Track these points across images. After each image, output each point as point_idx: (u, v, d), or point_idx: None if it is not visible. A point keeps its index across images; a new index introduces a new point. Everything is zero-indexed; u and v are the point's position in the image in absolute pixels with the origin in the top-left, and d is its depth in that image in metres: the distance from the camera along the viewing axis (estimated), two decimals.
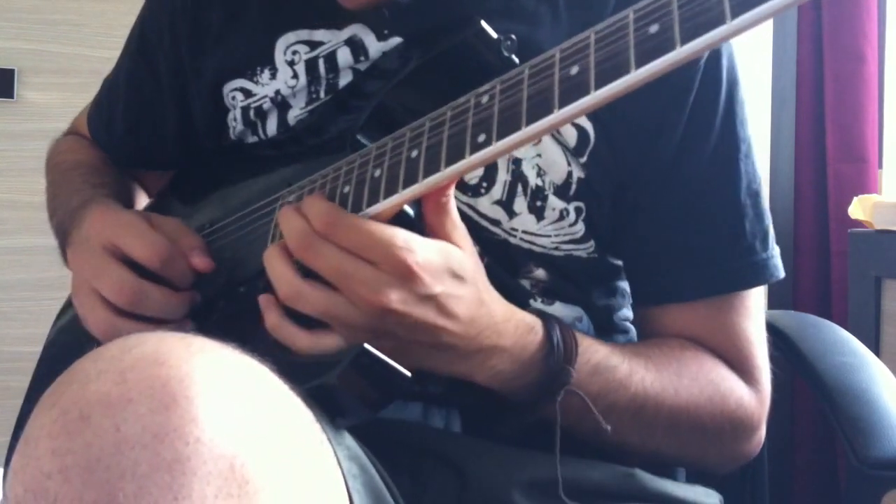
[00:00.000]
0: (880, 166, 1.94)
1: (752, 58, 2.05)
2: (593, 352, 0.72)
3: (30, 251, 1.80)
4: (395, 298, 0.61)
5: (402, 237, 0.62)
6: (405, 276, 0.62)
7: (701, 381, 0.77)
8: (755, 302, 0.82)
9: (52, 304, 1.02)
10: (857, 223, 1.73)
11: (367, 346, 0.61)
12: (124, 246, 0.75)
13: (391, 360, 0.62)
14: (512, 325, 0.69)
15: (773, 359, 0.83)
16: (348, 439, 0.63)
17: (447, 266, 0.64)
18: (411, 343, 0.64)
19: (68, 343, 0.94)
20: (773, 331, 0.99)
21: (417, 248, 0.62)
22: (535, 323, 0.70)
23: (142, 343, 0.51)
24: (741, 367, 0.80)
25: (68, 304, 1.00)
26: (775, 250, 0.82)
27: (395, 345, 0.63)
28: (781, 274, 0.82)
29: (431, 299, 0.63)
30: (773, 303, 1.96)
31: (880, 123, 1.94)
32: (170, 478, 0.45)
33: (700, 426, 0.76)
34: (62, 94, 1.81)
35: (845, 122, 1.91)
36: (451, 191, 0.64)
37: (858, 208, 1.70)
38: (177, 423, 0.46)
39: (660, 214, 0.79)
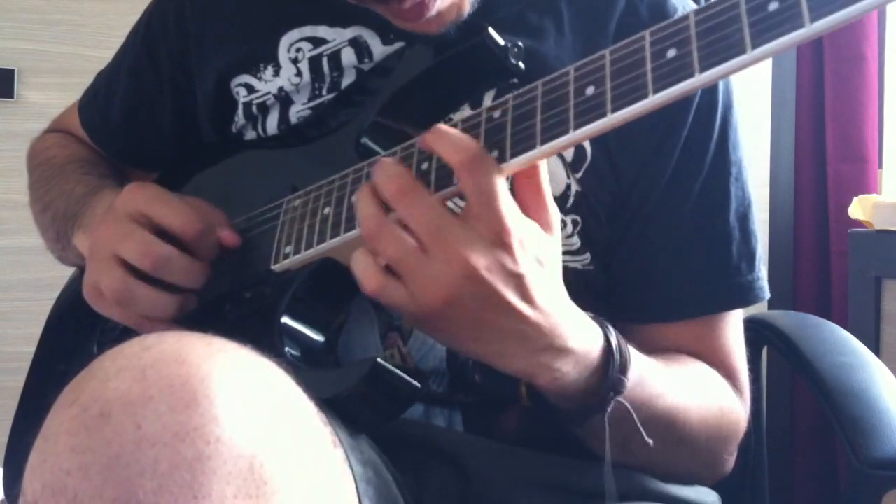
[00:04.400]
0: (880, 166, 1.94)
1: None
2: (639, 362, 0.70)
3: (30, 251, 1.80)
4: (483, 263, 0.58)
5: (512, 206, 0.59)
6: (499, 242, 0.58)
7: (716, 394, 0.78)
8: (737, 313, 0.83)
9: (51, 304, 1.02)
10: (857, 223, 1.73)
11: (379, 360, 0.61)
12: (156, 215, 0.73)
13: (402, 373, 0.61)
14: (581, 327, 0.66)
15: (772, 359, 0.83)
16: (364, 444, 0.63)
17: (534, 249, 0.60)
18: (481, 320, 0.60)
19: (61, 343, 0.95)
20: (773, 331, 0.99)
21: (518, 218, 0.59)
22: (596, 328, 0.67)
23: (161, 341, 0.51)
24: (731, 380, 0.81)
25: (55, 309, 1.00)
26: (762, 272, 0.82)
27: (467, 321, 0.60)
28: (766, 295, 0.82)
29: (514, 278, 0.59)
30: (773, 303, 1.95)
31: (880, 123, 1.94)
32: (190, 477, 0.45)
33: (713, 439, 0.77)
34: (62, 94, 1.80)
35: (845, 122, 1.91)
36: (544, 165, 0.62)
37: (858, 208, 1.71)
38: (198, 422, 0.47)
39: (650, 234, 0.79)
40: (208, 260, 0.75)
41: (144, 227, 0.73)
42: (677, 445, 0.74)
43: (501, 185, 0.59)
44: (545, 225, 0.62)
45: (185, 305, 0.74)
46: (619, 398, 0.66)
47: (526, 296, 0.60)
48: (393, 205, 0.60)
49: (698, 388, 0.76)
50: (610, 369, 0.66)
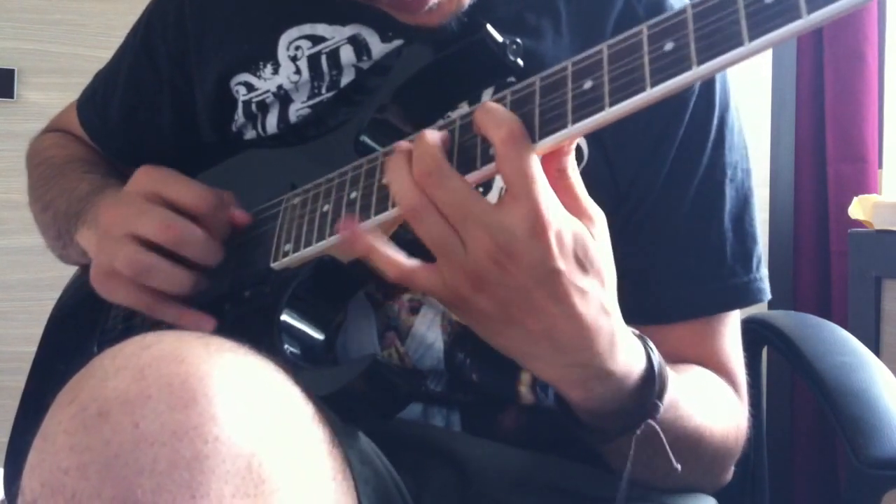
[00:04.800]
0: (880, 166, 1.94)
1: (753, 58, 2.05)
2: (674, 384, 0.66)
3: (30, 251, 1.80)
4: (512, 248, 0.54)
5: (552, 197, 0.55)
6: (532, 230, 0.54)
7: (727, 408, 0.77)
8: (734, 315, 0.83)
9: (51, 304, 1.02)
10: (857, 223, 1.73)
11: (378, 357, 0.61)
12: (170, 193, 0.73)
13: (400, 370, 0.61)
14: (627, 348, 0.62)
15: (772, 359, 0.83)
16: (362, 443, 0.63)
17: (573, 247, 0.56)
18: (509, 316, 0.57)
19: (63, 343, 0.95)
20: (773, 331, 0.99)
21: (557, 208, 0.55)
22: (640, 348, 0.63)
23: (160, 341, 0.51)
24: (730, 383, 0.80)
25: (57, 309, 1.00)
26: (760, 273, 0.81)
27: (492, 308, 0.57)
28: (766, 296, 0.81)
29: (550, 274, 0.55)
30: (773, 303, 1.95)
31: (880, 123, 1.94)
32: (188, 476, 0.46)
33: (727, 452, 0.77)
34: (62, 94, 1.79)
35: (845, 122, 1.91)
36: (570, 159, 0.58)
37: (858, 208, 1.70)
38: (196, 422, 0.47)
39: (645, 235, 0.79)
40: (220, 239, 0.74)
41: (159, 205, 0.73)
42: (697, 463, 0.73)
43: (541, 172, 0.55)
44: (588, 225, 0.58)
45: (199, 286, 0.73)
46: (651, 421, 0.63)
47: (559, 297, 0.56)
48: (422, 185, 0.56)
49: (719, 408, 0.75)
50: (649, 394, 0.62)
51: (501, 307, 0.57)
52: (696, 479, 0.76)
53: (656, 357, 0.64)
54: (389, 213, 0.62)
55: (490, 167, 0.58)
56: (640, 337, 0.64)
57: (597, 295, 0.58)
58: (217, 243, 0.73)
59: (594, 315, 0.58)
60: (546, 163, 0.57)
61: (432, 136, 0.58)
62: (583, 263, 0.56)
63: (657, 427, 0.63)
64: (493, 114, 0.56)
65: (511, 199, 0.55)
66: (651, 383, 0.63)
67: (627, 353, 0.61)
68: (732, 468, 0.81)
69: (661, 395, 0.63)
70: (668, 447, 0.63)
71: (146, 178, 0.75)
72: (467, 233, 0.55)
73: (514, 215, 0.54)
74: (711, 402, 0.74)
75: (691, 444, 0.70)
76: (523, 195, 0.54)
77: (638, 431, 0.62)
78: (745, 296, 0.81)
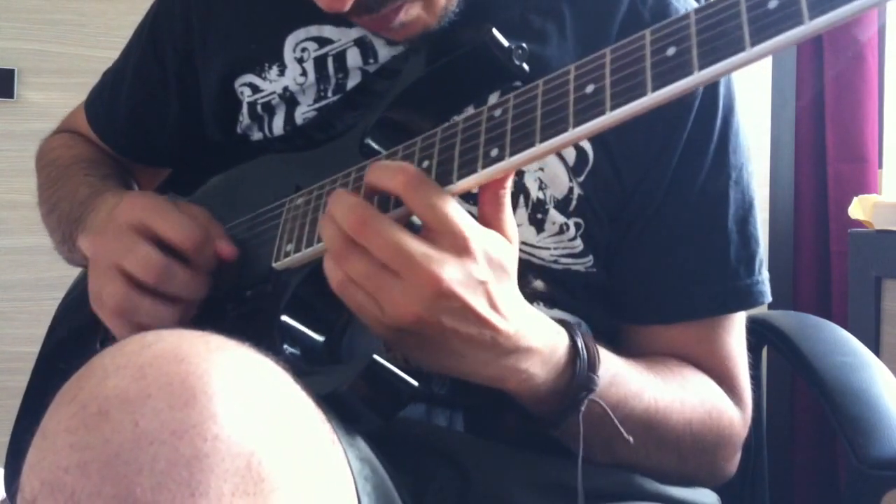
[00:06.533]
0: (880, 166, 1.94)
1: None
2: (611, 362, 0.71)
3: (30, 251, 1.80)
4: (451, 278, 0.59)
5: (465, 216, 0.61)
6: (464, 253, 0.60)
7: (702, 395, 0.78)
8: (738, 319, 0.83)
9: (51, 304, 1.02)
10: (857, 223, 1.73)
11: (376, 357, 0.61)
12: (157, 227, 0.74)
13: (400, 371, 0.61)
14: (543, 326, 0.67)
15: (772, 359, 0.83)
16: (360, 441, 0.63)
17: (496, 256, 0.62)
18: (454, 335, 0.61)
19: (66, 343, 0.95)
20: (773, 331, 0.99)
21: (475, 227, 0.61)
22: (559, 328, 0.69)
23: (160, 339, 0.51)
24: (728, 385, 0.81)
25: (61, 308, 1.00)
26: (762, 275, 0.82)
27: (437, 335, 0.61)
28: (766, 299, 0.82)
29: (482, 286, 0.61)
30: (773, 303, 1.95)
31: (880, 123, 1.94)
32: (188, 474, 0.46)
33: (700, 440, 0.77)
34: (62, 94, 1.81)
35: (845, 122, 1.91)
36: (510, 183, 0.63)
37: (858, 208, 1.71)
38: (196, 420, 0.47)
39: (649, 237, 0.79)
40: (208, 271, 0.75)
41: (145, 238, 0.74)
42: (659, 446, 0.74)
43: (449, 199, 0.60)
44: (505, 235, 0.64)
45: (186, 315, 0.74)
46: (593, 397, 0.67)
47: (492, 303, 0.61)
48: (354, 237, 0.61)
49: (681, 391, 0.76)
50: (578, 365, 0.67)
51: (443, 330, 0.61)
52: (667, 467, 0.76)
53: (578, 334, 0.69)
54: (390, 215, 0.63)
55: (402, 209, 0.62)
56: (561, 322, 0.69)
57: (514, 290, 0.64)
58: (201, 278, 0.75)
59: (514, 306, 0.63)
60: (489, 187, 0.63)
61: (347, 192, 0.64)
62: (504, 268, 0.62)
63: (601, 402, 0.67)
64: (383, 169, 0.62)
65: (434, 230, 0.60)
66: (577, 356, 0.67)
67: (545, 331, 0.66)
68: (726, 465, 0.81)
69: (593, 369, 0.67)
70: (615, 420, 0.68)
71: (134, 207, 0.76)
72: (412, 269, 0.59)
73: (442, 244, 0.59)
74: (672, 388, 0.75)
75: (643, 424, 0.72)
76: (442, 225, 0.60)
77: (582, 408, 0.67)
78: (748, 298, 0.81)
